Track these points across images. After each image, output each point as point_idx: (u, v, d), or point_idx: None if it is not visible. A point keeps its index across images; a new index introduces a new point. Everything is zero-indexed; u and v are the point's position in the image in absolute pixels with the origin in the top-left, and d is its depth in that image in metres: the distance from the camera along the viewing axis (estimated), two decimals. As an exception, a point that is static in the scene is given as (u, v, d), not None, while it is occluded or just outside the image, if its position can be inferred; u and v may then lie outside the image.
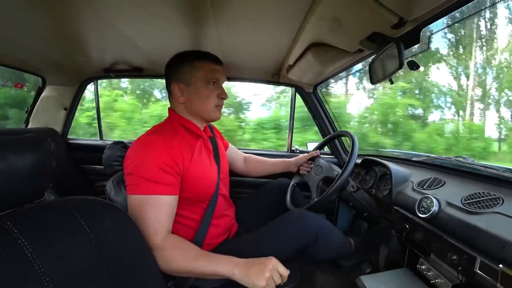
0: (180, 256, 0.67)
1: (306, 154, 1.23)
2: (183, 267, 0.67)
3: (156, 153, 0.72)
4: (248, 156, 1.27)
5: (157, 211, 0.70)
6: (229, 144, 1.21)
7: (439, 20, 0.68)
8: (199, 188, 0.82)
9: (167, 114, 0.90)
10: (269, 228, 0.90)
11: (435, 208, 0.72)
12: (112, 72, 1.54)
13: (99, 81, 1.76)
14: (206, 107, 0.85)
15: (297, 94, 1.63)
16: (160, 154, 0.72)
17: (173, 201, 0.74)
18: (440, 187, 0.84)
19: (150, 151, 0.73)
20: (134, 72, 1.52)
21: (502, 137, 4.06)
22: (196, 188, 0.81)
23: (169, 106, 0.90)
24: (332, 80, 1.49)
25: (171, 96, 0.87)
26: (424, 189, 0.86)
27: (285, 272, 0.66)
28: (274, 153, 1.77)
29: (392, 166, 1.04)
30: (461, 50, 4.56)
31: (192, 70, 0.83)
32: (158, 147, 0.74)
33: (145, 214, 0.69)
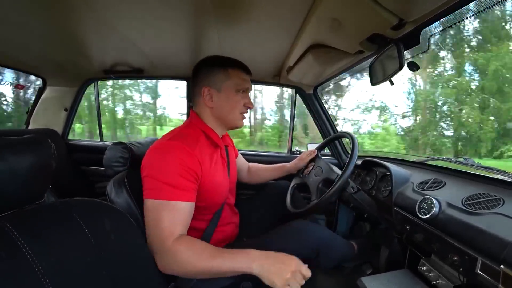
0: (194, 256, 0.65)
1: (304, 155, 1.22)
2: (198, 268, 0.64)
3: (177, 159, 0.72)
4: (252, 165, 1.29)
5: (174, 215, 0.69)
6: (239, 153, 1.21)
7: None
8: (211, 197, 0.82)
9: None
10: (270, 240, 0.90)
11: (435, 209, 0.72)
12: (113, 73, 1.54)
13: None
14: (233, 115, 0.87)
15: (297, 95, 1.63)
16: (180, 160, 0.72)
17: (191, 208, 0.73)
18: (440, 188, 0.84)
19: (171, 156, 0.72)
20: (135, 73, 1.53)
21: None
22: (208, 197, 0.81)
23: (193, 108, 0.91)
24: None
25: (198, 98, 0.87)
26: (424, 190, 0.86)
27: (307, 273, 0.64)
28: (274, 154, 1.77)
29: (393, 167, 1.04)
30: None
31: (225, 77, 0.84)
32: (179, 153, 0.73)
33: (161, 218, 0.68)
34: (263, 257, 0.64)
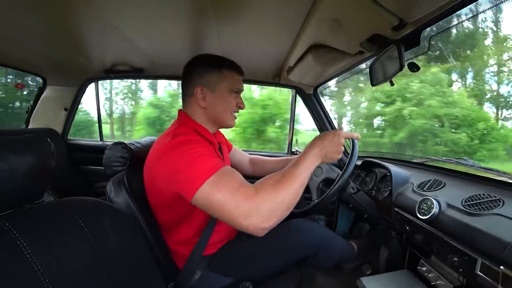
0: (277, 194, 0.64)
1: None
2: (288, 198, 0.65)
3: (196, 145, 0.71)
4: (254, 157, 1.27)
5: (233, 176, 0.67)
6: (233, 146, 1.21)
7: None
8: None
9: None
10: (269, 237, 0.89)
11: (435, 209, 0.72)
12: (113, 72, 1.54)
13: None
14: (225, 114, 0.87)
15: (297, 95, 1.64)
16: (200, 145, 0.72)
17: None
18: (440, 188, 0.84)
19: (189, 145, 0.70)
20: (135, 73, 1.53)
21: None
22: None
23: (181, 108, 0.89)
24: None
25: (189, 98, 0.86)
26: (424, 190, 0.86)
27: (354, 135, 0.84)
28: (273, 155, 1.77)
29: (392, 168, 1.04)
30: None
31: (219, 78, 0.83)
32: (194, 141, 0.72)
33: (226, 187, 0.64)
34: (320, 150, 0.73)
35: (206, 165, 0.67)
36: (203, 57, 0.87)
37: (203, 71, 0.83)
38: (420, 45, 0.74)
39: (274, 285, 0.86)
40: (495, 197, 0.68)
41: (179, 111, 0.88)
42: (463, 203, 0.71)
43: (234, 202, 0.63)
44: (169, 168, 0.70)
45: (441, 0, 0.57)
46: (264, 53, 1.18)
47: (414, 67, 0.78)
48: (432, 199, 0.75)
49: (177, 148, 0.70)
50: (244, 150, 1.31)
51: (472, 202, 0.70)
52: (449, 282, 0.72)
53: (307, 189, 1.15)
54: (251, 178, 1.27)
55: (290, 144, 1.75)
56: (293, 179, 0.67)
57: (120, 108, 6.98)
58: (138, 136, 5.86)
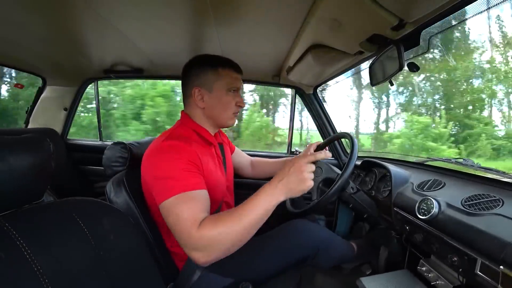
0: (224, 231, 0.61)
1: (310, 148, 1.18)
2: (234, 238, 0.62)
3: (176, 156, 0.71)
4: (255, 160, 1.27)
5: (191, 204, 0.65)
6: (236, 148, 1.20)
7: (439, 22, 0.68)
8: (210, 195, 0.82)
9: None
10: (269, 239, 0.90)
11: (435, 209, 0.72)
12: (113, 73, 1.54)
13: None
14: (225, 114, 0.86)
15: (297, 95, 1.64)
16: (180, 156, 0.71)
17: (206, 195, 0.71)
18: (440, 188, 0.84)
19: (170, 154, 0.71)
20: (135, 73, 1.52)
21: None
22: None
23: (183, 109, 0.90)
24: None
25: (188, 99, 0.86)
26: (424, 190, 0.86)
27: (313, 157, 0.66)
28: (274, 155, 1.77)
29: (392, 167, 1.04)
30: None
31: (215, 77, 0.83)
32: (178, 150, 0.72)
33: (180, 211, 0.64)
34: (277, 184, 0.65)
35: (178, 182, 0.67)
36: (200, 58, 0.87)
37: (200, 71, 0.84)
38: (419, 45, 0.74)
39: (273, 286, 0.86)
40: (494, 197, 0.68)
41: (182, 112, 0.90)
42: (462, 203, 0.71)
43: (180, 230, 0.63)
44: (149, 171, 0.73)
45: (441, 0, 0.57)
46: (264, 53, 1.18)
47: (413, 67, 0.78)
48: (432, 199, 0.75)
49: (162, 154, 0.72)
50: (244, 151, 1.31)
51: (471, 202, 0.70)
52: (449, 282, 0.72)
53: None
54: (253, 180, 1.29)
55: (290, 144, 1.75)
56: (241, 217, 0.63)
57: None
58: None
